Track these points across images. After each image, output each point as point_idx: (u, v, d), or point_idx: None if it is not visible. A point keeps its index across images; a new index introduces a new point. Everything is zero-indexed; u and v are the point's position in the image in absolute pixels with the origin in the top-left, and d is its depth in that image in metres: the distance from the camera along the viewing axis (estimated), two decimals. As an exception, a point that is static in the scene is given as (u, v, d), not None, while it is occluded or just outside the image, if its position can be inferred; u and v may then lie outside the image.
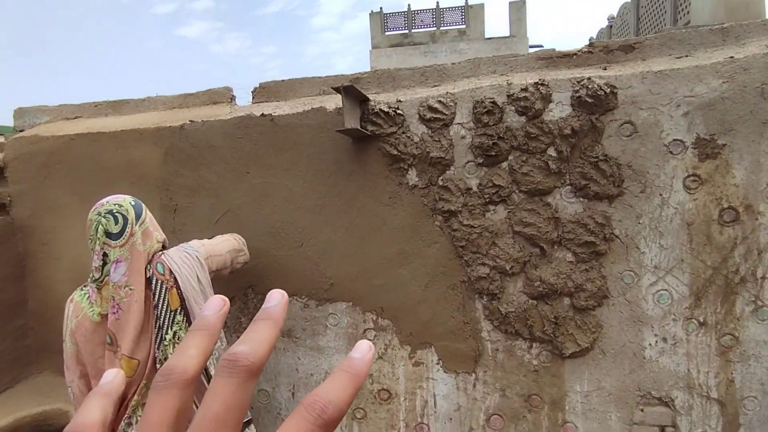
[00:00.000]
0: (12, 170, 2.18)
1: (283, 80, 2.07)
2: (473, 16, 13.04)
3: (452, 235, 1.75)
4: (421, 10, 13.29)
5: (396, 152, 1.75)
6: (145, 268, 1.36)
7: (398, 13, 13.47)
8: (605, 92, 1.58)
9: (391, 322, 1.84)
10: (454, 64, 1.91)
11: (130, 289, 1.31)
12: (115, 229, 1.31)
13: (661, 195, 1.60)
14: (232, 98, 2.15)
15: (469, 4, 12.99)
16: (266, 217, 1.89)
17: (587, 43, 1.80)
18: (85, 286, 1.38)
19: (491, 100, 1.68)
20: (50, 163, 2.10)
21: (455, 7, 13.08)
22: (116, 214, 1.32)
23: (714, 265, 1.60)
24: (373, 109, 1.75)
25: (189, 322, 1.39)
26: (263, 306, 0.32)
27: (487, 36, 13.05)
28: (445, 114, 1.72)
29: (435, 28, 13.27)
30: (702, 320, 1.62)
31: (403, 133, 1.75)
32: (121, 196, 1.38)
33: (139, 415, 1.36)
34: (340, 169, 1.81)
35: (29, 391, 2.10)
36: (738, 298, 1.59)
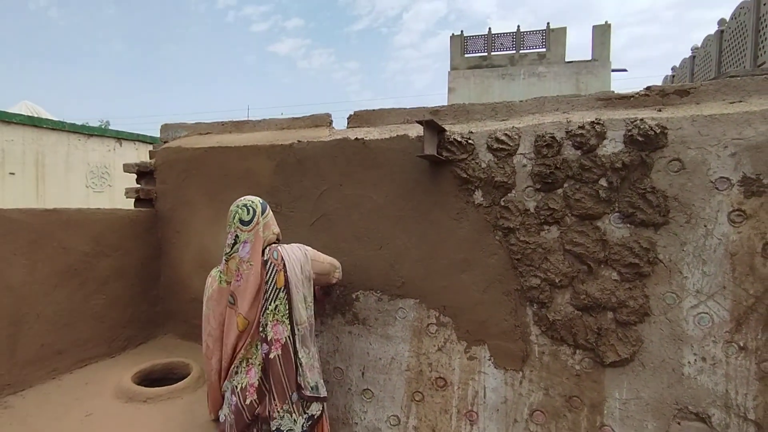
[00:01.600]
0: (159, 173, 2.79)
1: (374, 110, 2.48)
2: (554, 40, 13.02)
3: (509, 249, 2.03)
4: (501, 34, 13.51)
5: (465, 175, 2.07)
6: (263, 252, 1.79)
7: (478, 36, 13.79)
8: (655, 132, 1.80)
9: (451, 320, 2.14)
10: (521, 101, 2.21)
11: (251, 264, 1.75)
12: (246, 218, 1.77)
13: (705, 226, 1.77)
14: (331, 122, 2.60)
15: (551, 27, 13.01)
16: (353, 222, 2.29)
17: (646, 86, 2.02)
18: (220, 264, 1.84)
19: (551, 135, 1.95)
20: (189, 168, 2.67)
21: (536, 31, 13.15)
22: (249, 207, 1.79)
23: (756, 294, 1.73)
24: (448, 138, 2.09)
25: (289, 299, 1.77)
26: None
27: (567, 59, 12.96)
28: (509, 145, 2.02)
29: (514, 51, 13.41)
30: (742, 345, 1.75)
31: (473, 159, 2.07)
32: (254, 197, 1.85)
33: (243, 366, 1.77)
34: (417, 187, 2.16)
35: (158, 347, 2.66)
36: (779, 327, 1.71)
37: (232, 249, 1.78)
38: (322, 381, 1.89)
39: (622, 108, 2.01)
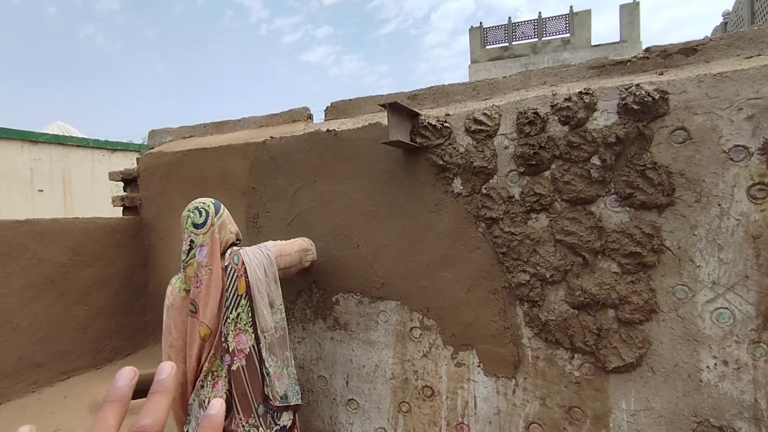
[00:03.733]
0: (143, 179, 2.73)
1: (350, 99, 2.31)
2: (579, 24, 12.35)
3: (494, 242, 1.81)
4: (522, 22, 12.96)
5: (442, 162, 1.87)
6: (223, 256, 1.67)
7: (499, 26, 13.30)
8: (654, 98, 1.54)
9: (436, 322, 1.94)
10: (505, 77, 1.98)
11: (209, 269, 1.62)
12: (199, 220, 1.65)
13: (719, 205, 1.50)
14: (309, 116, 2.46)
15: (575, 11, 12.36)
16: (329, 220, 2.13)
17: (644, 48, 1.75)
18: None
19: (533, 111, 1.72)
20: (169, 173, 2.60)
21: (559, 16, 12.51)
22: (200, 209, 1.67)
23: (787, 283, 1.44)
24: (422, 123, 1.90)
25: (253, 306, 1.65)
26: (156, 378, 0.37)
27: (594, 43, 12.26)
28: (489, 125, 1.80)
29: (537, 39, 12.84)
30: (772, 345, 1.47)
31: (450, 144, 1.87)
32: (206, 198, 1.74)
33: (209, 380, 1.65)
34: (392, 178, 1.98)
35: (147, 357, 2.59)
36: (817, 323, 1.42)
37: (188, 255, 1.67)
38: (297, 388, 1.78)
39: (617, 75, 1.76)
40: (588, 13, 12.33)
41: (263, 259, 1.74)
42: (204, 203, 1.70)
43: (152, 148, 2.90)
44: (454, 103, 2.04)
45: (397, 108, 1.78)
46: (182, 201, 2.56)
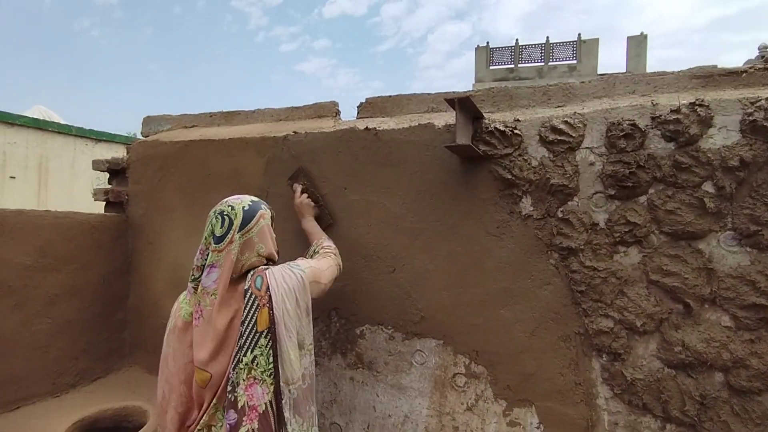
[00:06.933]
0: (133, 171, 2.34)
1: (390, 96, 1.98)
2: (586, 52, 12.36)
3: (570, 277, 1.48)
4: (529, 45, 12.92)
5: (510, 176, 1.55)
6: (243, 277, 1.28)
7: (505, 47, 13.24)
8: (790, 117, 1.25)
9: (486, 370, 1.59)
10: (583, 82, 1.68)
11: (215, 297, 1.24)
12: (219, 232, 1.25)
13: None
14: (338, 112, 2.12)
15: (583, 39, 12.37)
16: (360, 236, 1.78)
17: (764, 58, 1.47)
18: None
19: (630, 122, 1.42)
20: (166, 166, 2.21)
21: (567, 42, 12.51)
22: (226, 216, 1.27)
23: None
24: (487, 128, 1.58)
25: (274, 349, 1.22)
26: None
27: (600, 72, 12.26)
28: (571, 136, 1.49)
29: (543, 63, 12.80)
30: None
31: (520, 155, 1.55)
32: (243, 197, 1.32)
33: None
34: (444, 191, 1.65)
35: (118, 383, 2.17)
36: None
37: (201, 273, 1.28)
38: None
39: (729, 87, 1.47)
40: (596, 42, 12.35)
41: (295, 283, 1.30)
42: (233, 207, 1.28)
43: (147, 137, 2.51)
44: (520, 108, 1.73)
45: (465, 106, 1.46)
46: (179, 199, 2.18)
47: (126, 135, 6.96)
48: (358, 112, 2.04)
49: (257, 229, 1.30)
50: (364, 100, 2.04)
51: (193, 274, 1.29)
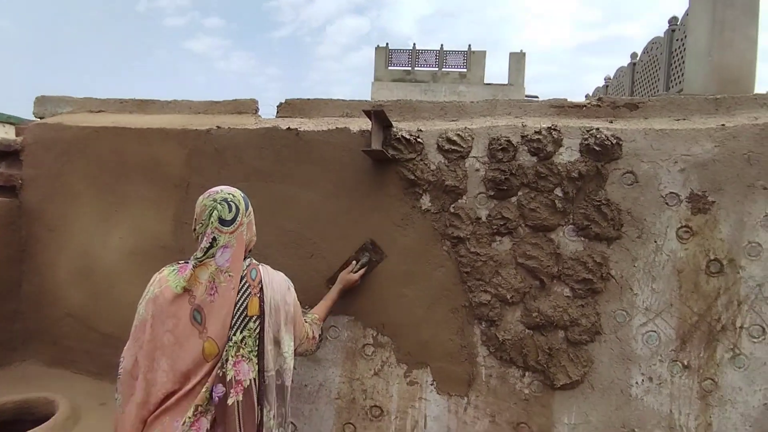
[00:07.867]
0: (29, 154, 2.21)
1: (309, 99, 2.18)
2: (475, 62, 13.67)
3: (458, 261, 1.84)
4: (425, 50, 13.87)
5: (413, 177, 1.85)
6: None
7: (403, 50, 14.06)
8: (611, 143, 1.73)
9: (391, 340, 1.89)
10: (472, 102, 2.05)
11: (230, 275, 1.34)
12: (228, 216, 1.36)
13: (655, 242, 1.73)
14: (257, 110, 2.25)
15: (472, 50, 13.65)
16: (281, 226, 1.95)
17: (597, 97, 1.96)
18: (175, 263, 1.39)
19: (506, 139, 1.80)
20: (71, 150, 2.14)
21: (458, 51, 13.70)
22: (230, 202, 1.38)
23: (699, 311, 1.71)
24: (395, 135, 1.86)
25: (261, 335, 1.37)
26: None
27: (486, 81, 13.66)
28: (462, 146, 1.84)
29: (437, 69, 13.84)
30: (686, 363, 1.72)
31: (421, 160, 1.86)
32: (232, 188, 1.44)
33: (190, 414, 1.26)
34: (357, 187, 1.90)
35: (12, 377, 2.06)
36: (719, 345, 1.70)
37: (206, 253, 1.35)
38: None
39: (575, 117, 1.94)
40: (483, 53, 13.71)
41: (284, 289, 1.47)
42: (233, 195, 1.41)
43: (42, 118, 2.37)
44: (422, 119, 2.04)
45: (379, 117, 1.72)
46: (87, 187, 2.14)
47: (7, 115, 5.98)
48: (277, 112, 2.20)
49: (252, 213, 1.47)
50: (284, 101, 2.20)
51: (196, 255, 1.35)
